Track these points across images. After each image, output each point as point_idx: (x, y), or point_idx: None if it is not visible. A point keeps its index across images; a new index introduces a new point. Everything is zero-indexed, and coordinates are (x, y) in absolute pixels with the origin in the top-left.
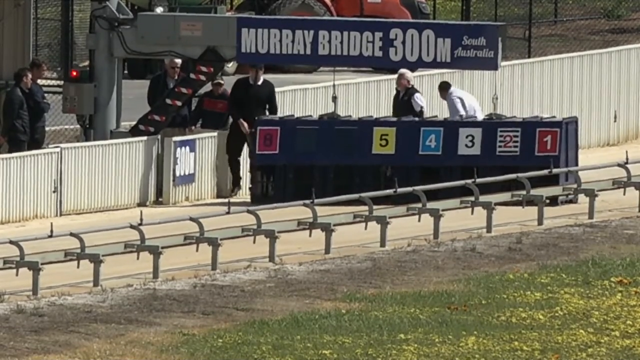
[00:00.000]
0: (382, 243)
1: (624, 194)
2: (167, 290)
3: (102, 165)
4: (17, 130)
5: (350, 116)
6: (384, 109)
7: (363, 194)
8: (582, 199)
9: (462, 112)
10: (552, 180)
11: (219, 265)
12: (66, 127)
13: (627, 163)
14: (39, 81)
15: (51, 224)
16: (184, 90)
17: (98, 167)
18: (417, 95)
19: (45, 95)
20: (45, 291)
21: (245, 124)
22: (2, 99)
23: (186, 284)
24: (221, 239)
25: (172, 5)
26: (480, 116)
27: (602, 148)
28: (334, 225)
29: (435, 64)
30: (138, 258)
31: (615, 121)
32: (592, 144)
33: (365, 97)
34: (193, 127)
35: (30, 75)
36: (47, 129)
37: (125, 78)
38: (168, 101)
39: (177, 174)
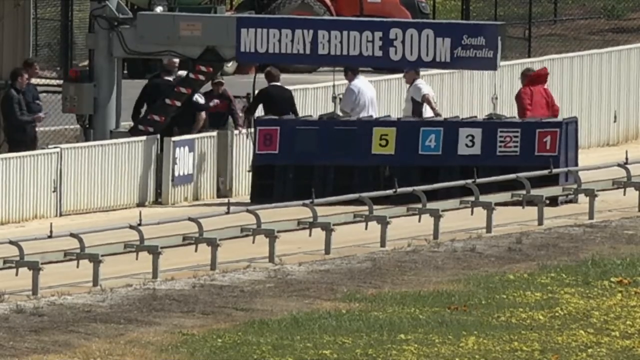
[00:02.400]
0: (382, 243)
1: (624, 194)
2: (166, 290)
3: (101, 166)
4: (16, 130)
5: (350, 116)
6: (383, 109)
7: (363, 194)
8: (582, 199)
9: (349, 108)
10: (552, 180)
11: (218, 265)
12: (66, 127)
13: (627, 163)
14: (36, 81)
15: (51, 224)
16: (183, 90)
17: (98, 167)
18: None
19: (44, 94)
20: (45, 291)
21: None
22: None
23: (185, 284)
24: (220, 239)
25: (171, 5)
26: (375, 114)
27: (602, 148)
28: (334, 225)
29: (434, 64)
30: (137, 258)
31: (615, 121)
32: (592, 144)
33: None
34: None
35: (26, 76)
36: (47, 128)
37: (125, 78)
38: (167, 101)
39: (177, 174)
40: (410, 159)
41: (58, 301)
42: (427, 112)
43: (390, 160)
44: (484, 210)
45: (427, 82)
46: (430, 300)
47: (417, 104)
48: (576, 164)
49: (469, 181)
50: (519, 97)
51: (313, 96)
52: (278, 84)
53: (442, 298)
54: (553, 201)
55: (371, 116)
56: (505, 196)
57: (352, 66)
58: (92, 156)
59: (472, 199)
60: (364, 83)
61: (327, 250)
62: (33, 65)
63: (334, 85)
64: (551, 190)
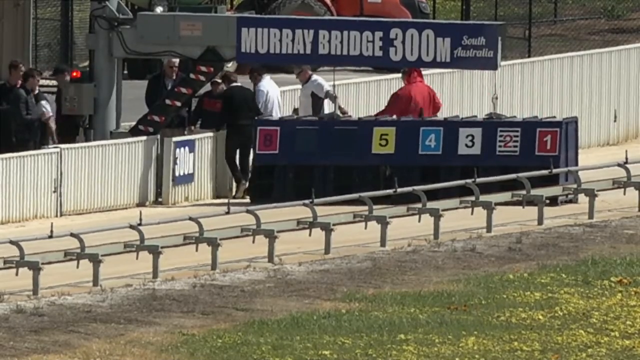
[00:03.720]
0: (382, 243)
1: (624, 194)
2: (166, 290)
3: (101, 166)
4: (22, 129)
5: (350, 116)
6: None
7: (363, 194)
8: (582, 198)
9: (263, 108)
10: (552, 180)
11: (218, 265)
12: None
13: (626, 163)
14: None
15: (51, 224)
16: (183, 90)
17: (98, 167)
18: None
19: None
20: (45, 291)
21: None
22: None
23: (186, 284)
24: (221, 239)
25: (171, 5)
26: (277, 114)
27: (602, 148)
28: (334, 225)
29: (435, 64)
30: (137, 258)
31: (615, 121)
32: (592, 143)
33: (365, 97)
34: (192, 127)
35: (38, 78)
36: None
37: (125, 78)
38: (167, 101)
39: (177, 174)
40: (410, 158)
41: (58, 301)
42: (327, 109)
43: (390, 160)
44: (484, 210)
45: (428, 83)
46: (430, 300)
47: (318, 99)
48: (576, 164)
49: (469, 181)
50: (394, 98)
51: None
52: (238, 84)
53: (442, 298)
54: (553, 201)
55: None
56: (505, 196)
57: (256, 67)
58: (92, 156)
59: (472, 198)
60: (270, 83)
61: (327, 250)
62: (19, 67)
63: (334, 85)
64: (551, 190)
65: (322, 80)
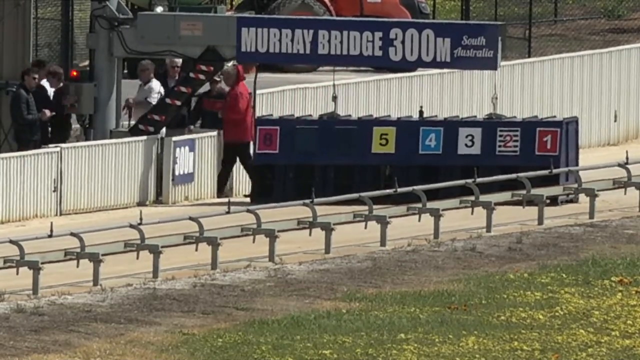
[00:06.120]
0: (382, 243)
1: (625, 194)
2: (167, 289)
3: (102, 165)
4: (24, 129)
5: (350, 116)
6: (384, 108)
7: (363, 194)
8: (583, 198)
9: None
10: (553, 180)
11: (218, 264)
12: None
13: (627, 163)
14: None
15: (51, 223)
16: (183, 89)
17: (98, 166)
18: None
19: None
20: (45, 290)
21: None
22: (2, 99)
23: (186, 284)
24: (221, 239)
25: (172, 5)
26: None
27: (602, 148)
28: (334, 224)
29: (434, 64)
30: (138, 257)
31: (615, 121)
32: (592, 143)
33: (365, 96)
34: (192, 127)
35: (36, 76)
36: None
37: (125, 78)
38: (167, 100)
39: (177, 173)
40: (410, 158)
41: (58, 301)
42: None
43: (390, 159)
44: (484, 210)
45: (428, 82)
46: (430, 299)
47: (147, 104)
48: (576, 164)
49: (469, 181)
50: (237, 97)
51: (313, 96)
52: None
53: (442, 298)
54: (553, 201)
55: None
56: (505, 196)
57: (148, 66)
58: (93, 156)
59: (472, 198)
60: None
61: (327, 250)
62: (44, 66)
63: (334, 85)
64: (551, 190)
65: (160, 87)
